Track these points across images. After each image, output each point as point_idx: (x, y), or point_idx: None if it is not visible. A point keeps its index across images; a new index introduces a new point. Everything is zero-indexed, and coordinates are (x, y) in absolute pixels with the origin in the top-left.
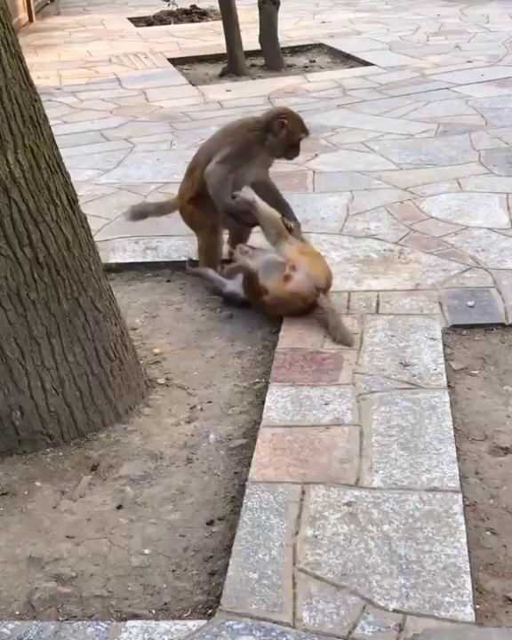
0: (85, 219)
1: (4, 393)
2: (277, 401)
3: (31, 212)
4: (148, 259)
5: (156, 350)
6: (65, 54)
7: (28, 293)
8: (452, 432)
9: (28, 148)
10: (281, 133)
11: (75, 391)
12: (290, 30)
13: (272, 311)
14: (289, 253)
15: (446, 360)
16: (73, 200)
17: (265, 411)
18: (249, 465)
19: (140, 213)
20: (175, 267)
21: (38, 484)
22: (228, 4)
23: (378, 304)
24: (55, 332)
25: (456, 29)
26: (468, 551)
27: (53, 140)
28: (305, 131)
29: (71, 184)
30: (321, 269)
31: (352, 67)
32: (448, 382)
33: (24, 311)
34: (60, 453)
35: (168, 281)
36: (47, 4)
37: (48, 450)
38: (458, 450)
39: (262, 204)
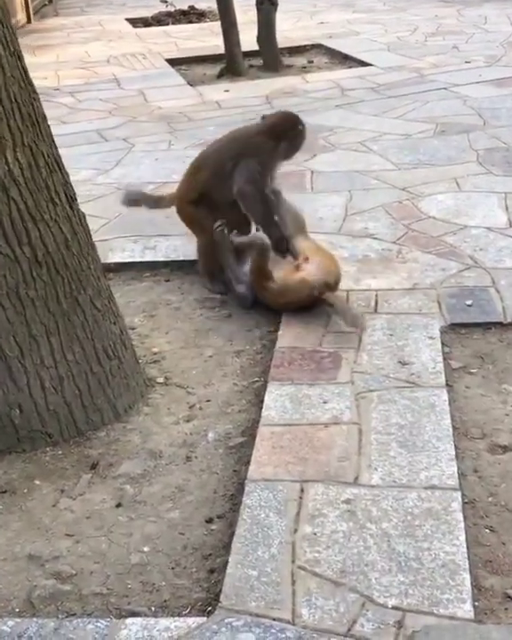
0: (84, 217)
1: (3, 391)
2: (276, 399)
3: (30, 210)
4: (147, 258)
5: (155, 349)
6: (63, 55)
7: (26, 291)
8: (451, 430)
9: (27, 146)
10: (298, 141)
11: (74, 390)
12: (288, 31)
13: (274, 299)
14: (304, 245)
15: (445, 359)
16: (72, 198)
17: (264, 409)
18: (248, 463)
19: (133, 200)
20: (174, 266)
21: (38, 482)
22: (226, 5)
23: (376, 303)
24: (54, 330)
25: (454, 30)
26: (467, 548)
27: (52, 138)
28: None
29: (70, 183)
30: (334, 266)
31: (350, 67)
32: (447, 381)
33: (23, 309)
34: (60, 452)
35: (167, 280)
36: (45, 4)
37: (47, 448)
38: (456, 448)
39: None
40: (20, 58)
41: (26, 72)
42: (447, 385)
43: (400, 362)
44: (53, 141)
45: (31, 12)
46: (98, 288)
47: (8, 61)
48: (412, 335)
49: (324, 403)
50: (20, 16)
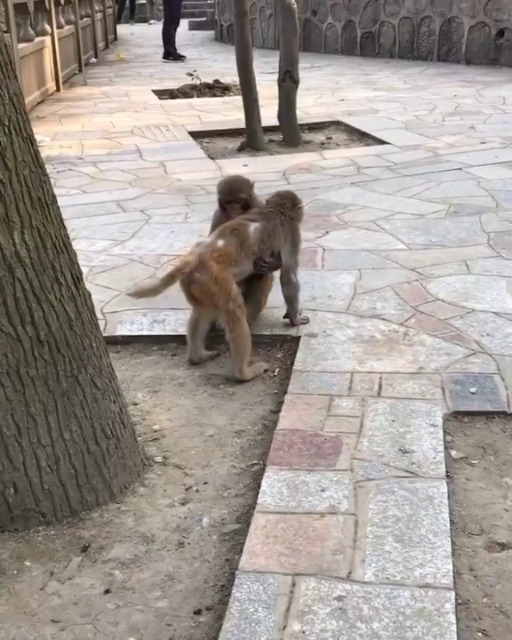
0: (89, 296)
1: None
2: (273, 485)
3: (35, 290)
4: (155, 332)
5: (156, 427)
6: (89, 124)
7: (27, 371)
8: (449, 525)
9: (35, 228)
10: (300, 218)
11: (70, 469)
12: (309, 107)
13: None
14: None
15: (446, 448)
16: (78, 278)
17: (260, 495)
18: (241, 552)
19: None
20: (181, 340)
21: (28, 563)
22: (249, 82)
23: (380, 386)
24: (52, 409)
25: (472, 110)
26: None
27: (61, 220)
28: None
29: (77, 262)
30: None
31: (368, 145)
32: (447, 472)
33: (22, 388)
34: (52, 532)
35: (173, 355)
36: (75, 73)
37: (40, 528)
38: (453, 544)
39: None
40: (32, 142)
41: (37, 155)
42: (447, 476)
43: (401, 450)
44: (62, 223)
45: (61, 81)
46: (99, 367)
47: (20, 146)
48: (414, 422)
49: (322, 491)
50: (50, 84)
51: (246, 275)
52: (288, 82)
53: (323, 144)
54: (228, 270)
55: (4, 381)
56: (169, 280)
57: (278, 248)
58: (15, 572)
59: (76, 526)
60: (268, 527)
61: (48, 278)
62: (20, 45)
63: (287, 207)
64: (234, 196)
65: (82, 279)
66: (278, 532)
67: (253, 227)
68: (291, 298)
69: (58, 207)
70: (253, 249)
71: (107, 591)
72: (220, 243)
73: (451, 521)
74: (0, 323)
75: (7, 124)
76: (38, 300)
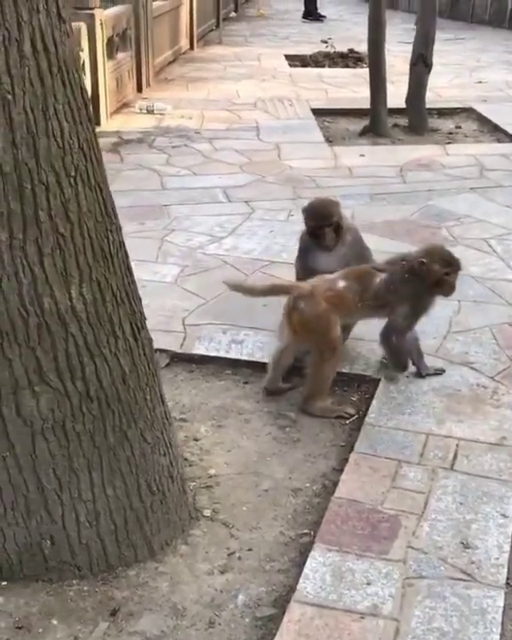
0: (150, 345)
1: (37, 521)
2: (317, 569)
3: (88, 345)
4: (232, 354)
5: (212, 471)
6: (214, 92)
7: (73, 425)
8: None
9: (95, 281)
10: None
11: (109, 525)
12: (443, 88)
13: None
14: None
15: None
16: (139, 328)
17: (301, 579)
18: None
19: (238, 288)
20: (255, 367)
21: (55, 622)
22: (378, 63)
23: (455, 456)
24: (97, 465)
25: None
26: None
27: (127, 268)
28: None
29: (140, 311)
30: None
31: (498, 140)
32: (508, 578)
33: (67, 443)
34: (85, 588)
35: (246, 383)
36: (212, 30)
37: (74, 581)
38: None
39: None
40: (101, 189)
41: (105, 203)
42: (507, 585)
43: (462, 542)
44: (128, 271)
45: (195, 39)
46: (151, 419)
47: (86, 196)
48: (484, 509)
49: (368, 584)
50: (184, 42)
51: (356, 322)
52: (420, 66)
53: (450, 134)
54: (335, 313)
55: (48, 436)
56: (270, 291)
57: (394, 303)
58: (41, 630)
59: (110, 584)
60: (302, 622)
61: (104, 332)
62: (156, 3)
63: (431, 269)
64: (325, 222)
65: (144, 327)
66: (311, 631)
67: (380, 278)
68: (387, 352)
69: (125, 254)
70: (372, 301)
71: None
72: (341, 284)
73: None
74: (48, 378)
75: (74, 174)
76: (91, 355)
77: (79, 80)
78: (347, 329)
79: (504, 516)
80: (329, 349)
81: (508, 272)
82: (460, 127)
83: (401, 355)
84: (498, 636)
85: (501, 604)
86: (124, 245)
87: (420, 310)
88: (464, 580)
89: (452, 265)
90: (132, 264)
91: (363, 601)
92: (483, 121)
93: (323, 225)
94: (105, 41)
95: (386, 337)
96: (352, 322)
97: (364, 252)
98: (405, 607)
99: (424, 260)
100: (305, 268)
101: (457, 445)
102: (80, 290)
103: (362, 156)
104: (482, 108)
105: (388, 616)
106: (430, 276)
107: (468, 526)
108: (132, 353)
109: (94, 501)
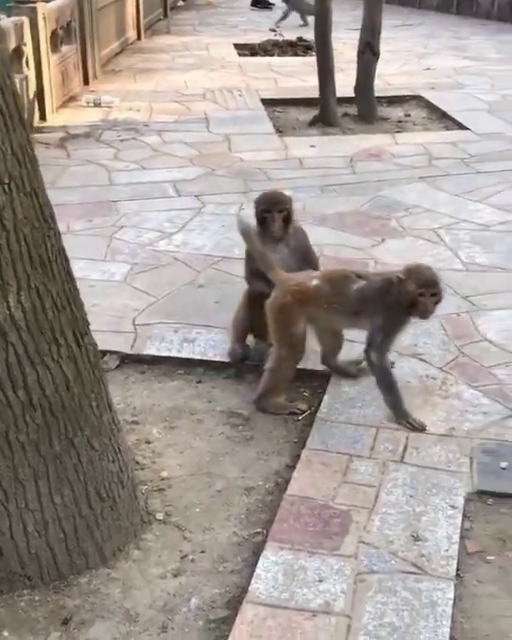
0: (94, 351)
1: None
2: (269, 569)
3: (29, 354)
4: (183, 354)
5: (164, 474)
6: (162, 83)
7: (17, 436)
8: None
9: (34, 288)
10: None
11: (59, 533)
12: (392, 75)
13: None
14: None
15: (462, 537)
16: (81, 335)
17: (254, 580)
18: None
19: (246, 233)
20: (208, 366)
21: (6, 634)
22: (325, 54)
23: (405, 449)
24: (43, 473)
25: None
26: None
27: (67, 274)
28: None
29: (82, 317)
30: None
31: (446, 128)
32: (457, 570)
33: (11, 454)
34: (37, 597)
35: (198, 382)
36: (160, 19)
37: (25, 591)
38: None
39: None
40: (37, 194)
41: (42, 209)
42: (457, 576)
43: (413, 535)
44: (68, 277)
45: (143, 29)
46: (98, 426)
47: (21, 202)
48: (434, 501)
49: (319, 582)
50: (131, 33)
51: (338, 328)
52: (368, 54)
53: (399, 122)
54: (299, 309)
55: None
56: (261, 257)
57: (369, 313)
58: None
59: (61, 593)
60: (254, 623)
61: (45, 340)
62: None
63: (405, 287)
64: (275, 208)
65: (87, 332)
66: (264, 631)
67: (358, 285)
68: (380, 386)
69: (65, 259)
70: (345, 307)
71: None
72: (313, 282)
73: (451, 637)
74: None
75: (7, 181)
76: (32, 364)
77: (11, 85)
78: (336, 335)
79: (453, 506)
80: (288, 345)
81: (457, 262)
82: (409, 115)
83: (391, 385)
84: (448, 629)
85: (451, 596)
86: (63, 251)
87: (392, 327)
88: (415, 574)
89: (427, 287)
90: (81, 263)
91: (315, 599)
92: (431, 108)
93: (273, 210)
94: (48, 34)
95: (367, 355)
96: (326, 326)
97: (310, 254)
98: (357, 603)
99: (401, 277)
100: (250, 263)
101: (407, 438)
102: (18, 298)
103: (312, 146)
104: (430, 96)
105: (340, 613)
106: (403, 293)
107: (418, 519)
108: (76, 360)
109: (42, 511)
